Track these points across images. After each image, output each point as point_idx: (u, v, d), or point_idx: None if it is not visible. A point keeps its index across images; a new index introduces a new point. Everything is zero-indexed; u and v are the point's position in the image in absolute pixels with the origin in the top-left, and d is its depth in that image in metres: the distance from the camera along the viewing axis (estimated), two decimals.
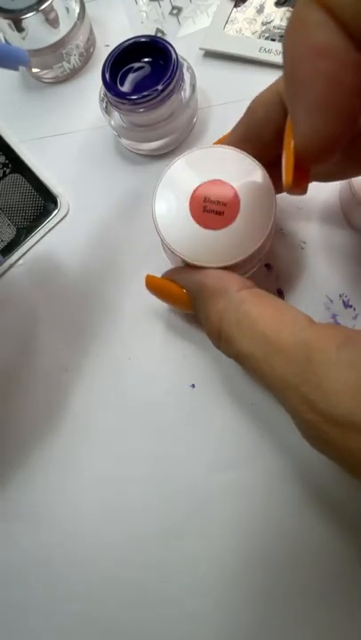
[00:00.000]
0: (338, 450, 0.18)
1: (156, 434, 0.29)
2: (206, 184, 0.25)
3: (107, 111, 0.33)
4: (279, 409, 0.21)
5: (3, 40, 0.36)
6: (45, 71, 0.37)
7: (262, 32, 0.35)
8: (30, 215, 0.34)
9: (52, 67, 0.36)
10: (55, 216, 0.34)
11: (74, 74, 0.37)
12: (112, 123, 0.32)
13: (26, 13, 0.32)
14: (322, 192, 0.31)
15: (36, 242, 0.34)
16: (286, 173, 0.19)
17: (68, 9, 0.34)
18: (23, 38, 0.33)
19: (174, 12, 0.38)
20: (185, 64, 0.32)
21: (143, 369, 0.30)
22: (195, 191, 0.25)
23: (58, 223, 0.34)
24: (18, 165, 0.35)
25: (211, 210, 0.25)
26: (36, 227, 0.34)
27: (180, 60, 0.31)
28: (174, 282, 0.26)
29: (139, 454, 0.29)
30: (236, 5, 0.36)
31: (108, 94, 0.30)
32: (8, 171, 0.35)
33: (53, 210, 0.34)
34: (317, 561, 0.26)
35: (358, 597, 0.26)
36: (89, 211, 0.34)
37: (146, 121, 0.31)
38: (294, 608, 0.26)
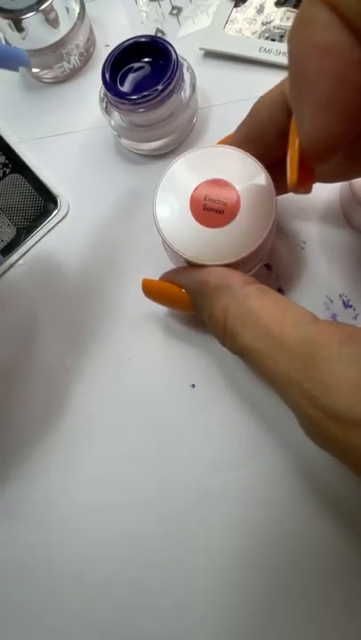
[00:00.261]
0: (339, 446, 0.18)
1: (156, 434, 0.29)
2: (206, 183, 0.25)
3: (107, 111, 0.33)
4: (279, 408, 0.21)
5: (3, 40, 0.36)
6: (45, 71, 0.37)
7: (262, 32, 0.35)
8: (30, 215, 0.34)
9: (52, 67, 0.36)
10: (55, 216, 0.34)
11: (74, 74, 0.37)
12: (112, 123, 0.32)
13: (26, 13, 0.32)
14: (322, 192, 0.31)
15: (36, 242, 0.34)
16: (291, 172, 0.19)
17: (68, 9, 0.34)
18: (23, 38, 0.33)
19: (174, 11, 0.38)
20: (185, 64, 0.32)
21: (143, 369, 0.30)
22: (195, 190, 0.25)
23: (58, 223, 0.34)
24: (18, 165, 0.35)
25: (211, 208, 0.25)
26: (36, 227, 0.34)
27: (180, 59, 0.31)
28: (173, 283, 0.26)
29: (139, 454, 0.29)
30: (236, 5, 0.36)
31: (108, 94, 0.30)
32: (8, 171, 0.35)
33: (53, 210, 0.34)
34: (318, 559, 0.26)
35: (359, 596, 0.26)
36: (89, 211, 0.34)
37: (146, 121, 0.31)
38: (295, 607, 0.26)
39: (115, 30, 0.38)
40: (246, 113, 0.25)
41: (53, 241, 0.34)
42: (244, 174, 0.25)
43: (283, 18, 0.35)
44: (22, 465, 0.30)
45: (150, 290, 0.28)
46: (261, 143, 0.25)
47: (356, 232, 0.30)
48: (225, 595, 0.27)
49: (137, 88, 0.31)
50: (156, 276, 0.28)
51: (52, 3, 0.32)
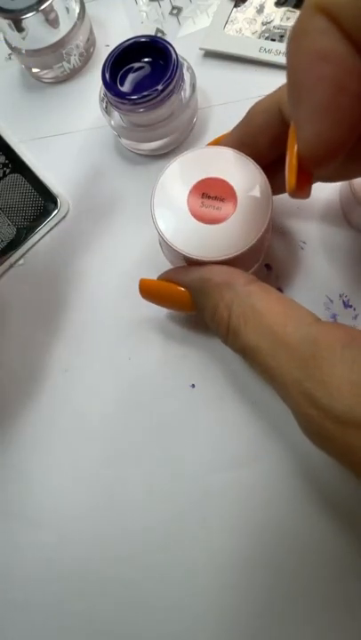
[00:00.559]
0: (338, 446, 0.18)
1: (156, 434, 0.29)
2: (203, 181, 0.26)
3: (107, 111, 0.33)
4: (279, 408, 0.21)
5: (3, 40, 0.36)
6: (45, 71, 0.37)
7: (262, 32, 0.35)
8: (30, 215, 0.34)
9: (52, 67, 0.36)
10: (55, 216, 0.34)
11: (74, 74, 0.37)
12: (112, 123, 0.32)
13: (26, 13, 0.32)
14: (322, 192, 0.31)
15: (36, 242, 0.34)
16: (289, 177, 0.19)
17: (68, 9, 0.34)
18: (23, 38, 0.33)
19: (174, 11, 0.38)
20: (185, 64, 0.32)
21: (143, 369, 0.30)
22: (193, 188, 0.26)
23: (58, 223, 0.34)
24: (18, 165, 0.35)
25: (209, 205, 0.25)
26: (36, 227, 0.34)
27: (180, 59, 0.31)
28: (173, 282, 0.26)
29: (139, 454, 0.29)
30: (236, 5, 0.36)
31: (108, 94, 0.30)
32: (8, 171, 0.35)
33: (53, 210, 0.34)
34: (318, 559, 0.26)
35: (359, 596, 0.26)
36: (89, 211, 0.34)
37: (146, 121, 0.31)
38: (295, 607, 0.26)
39: (115, 30, 0.38)
40: (247, 111, 0.25)
41: (53, 241, 0.34)
42: (239, 171, 0.26)
43: (283, 18, 0.35)
44: (22, 465, 0.30)
45: (148, 290, 0.27)
46: (254, 148, 0.25)
47: (356, 232, 0.30)
48: (225, 595, 0.27)
49: (137, 88, 0.31)
50: (155, 276, 0.27)
51: (52, 3, 0.32)
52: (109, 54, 0.31)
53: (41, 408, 0.31)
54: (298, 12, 0.34)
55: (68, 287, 0.33)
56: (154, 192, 0.26)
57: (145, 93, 0.29)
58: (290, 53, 0.17)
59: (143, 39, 0.31)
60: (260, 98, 0.25)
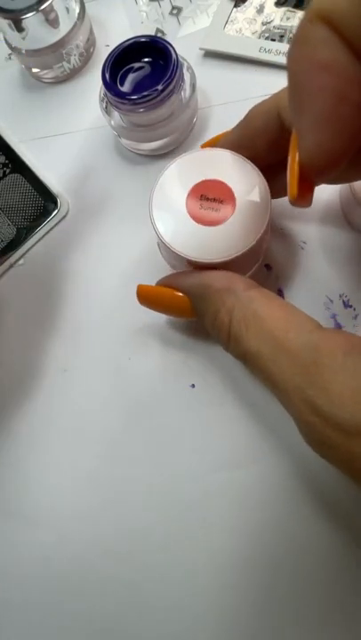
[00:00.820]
0: (340, 454, 0.18)
1: (156, 434, 0.29)
2: (202, 183, 0.26)
3: (107, 111, 0.33)
4: (278, 409, 0.21)
5: (3, 40, 0.36)
6: (45, 71, 0.37)
7: (262, 32, 0.35)
8: (30, 215, 0.34)
9: (52, 67, 0.36)
10: (55, 216, 0.34)
11: (74, 74, 0.37)
12: (112, 123, 0.32)
13: (26, 13, 0.32)
14: (322, 192, 0.31)
15: (36, 242, 0.34)
16: (291, 186, 0.19)
17: (68, 9, 0.34)
18: (23, 38, 0.33)
19: (174, 11, 0.38)
20: (185, 64, 0.32)
21: (143, 369, 0.30)
22: (191, 190, 0.26)
23: (58, 223, 0.34)
24: (18, 165, 0.35)
25: (207, 207, 0.25)
26: (36, 227, 0.34)
27: (180, 59, 0.31)
28: (172, 287, 0.26)
29: (138, 454, 0.29)
30: (236, 5, 0.36)
31: (108, 94, 0.30)
32: (8, 171, 0.35)
33: (53, 210, 0.34)
34: (317, 560, 0.26)
35: (358, 596, 0.26)
36: (89, 211, 0.34)
37: (146, 121, 0.31)
38: (294, 607, 0.26)
39: (115, 30, 0.38)
40: (246, 113, 0.25)
41: (53, 241, 0.34)
42: (238, 174, 0.26)
43: (283, 18, 0.35)
44: (21, 465, 0.30)
45: (147, 296, 0.27)
46: (252, 150, 0.25)
47: (356, 232, 0.30)
48: (225, 595, 0.27)
49: (137, 88, 0.31)
50: (155, 277, 0.27)
51: (52, 3, 0.32)
52: (109, 54, 0.31)
53: (40, 407, 0.31)
54: (298, 12, 0.35)
55: (68, 287, 0.33)
56: (152, 194, 0.26)
57: (145, 93, 0.29)
58: (291, 62, 0.17)
59: (143, 39, 0.31)
60: (260, 98, 0.25)
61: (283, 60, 0.34)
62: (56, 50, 0.35)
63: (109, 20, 0.38)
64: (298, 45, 0.17)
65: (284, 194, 0.27)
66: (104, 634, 0.27)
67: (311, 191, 0.19)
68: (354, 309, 0.29)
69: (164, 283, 0.27)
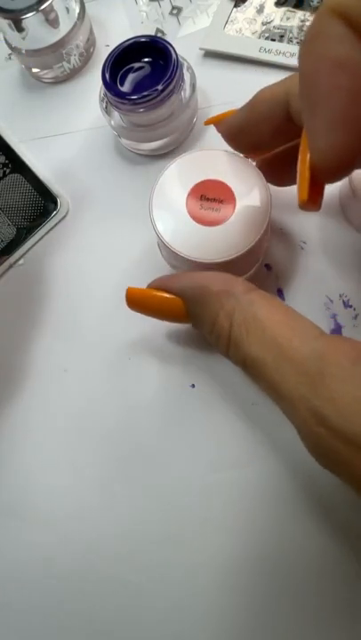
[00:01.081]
0: (348, 467, 0.17)
1: (155, 434, 0.29)
2: (202, 183, 0.26)
3: (107, 111, 0.33)
4: (279, 410, 0.21)
5: (3, 40, 0.36)
6: (45, 71, 0.37)
7: (262, 32, 0.35)
8: (30, 215, 0.34)
9: (52, 67, 0.36)
10: (55, 216, 0.34)
11: (74, 74, 0.37)
12: (112, 123, 0.32)
13: (26, 13, 0.32)
14: None
15: (36, 242, 0.34)
16: (301, 190, 0.18)
17: (68, 9, 0.34)
18: (23, 38, 0.33)
19: (174, 11, 0.38)
20: (185, 64, 0.32)
21: (143, 369, 0.30)
22: (191, 190, 0.26)
23: (58, 223, 0.34)
24: (18, 165, 0.35)
25: (207, 207, 0.25)
26: (36, 227, 0.34)
27: (180, 59, 0.31)
28: (165, 290, 0.24)
29: (138, 454, 0.29)
30: (236, 5, 0.36)
31: (108, 94, 0.30)
32: (8, 171, 0.35)
33: (53, 210, 0.34)
34: (317, 560, 0.26)
35: (358, 596, 0.26)
36: (89, 211, 0.34)
37: (146, 121, 0.31)
38: (294, 607, 0.26)
39: (115, 30, 0.38)
40: (253, 95, 0.24)
41: (53, 241, 0.34)
42: (238, 174, 0.26)
43: (283, 18, 0.35)
44: (22, 465, 0.30)
45: (136, 300, 0.25)
46: (256, 135, 0.24)
47: (356, 231, 0.30)
48: (225, 595, 0.27)
49: (137, 88, 0.31)
50: (155, 277, 0.27)
51: (52, 3, 0.32)
52: (109, 54, 0.31)
53: (40, 407, 0.31)
54: (298, 12, 0.35)
55: (68, 287, 0.33)
56: (152, 194, 0.26)
57: (145, 93, 0.29)
58: (303, 59, 0.16)
59: (143, 39, 0.31)
60: None
61: (283, 59, 0.34)
62: (56, 50, 0.35)
63: (109, 20, 0.38)
64: (312, 41, 0.16)
65: (289, 182, 0.26)
66: (104, 634, 0.27)
67: (321, 194, 0.19)
68: (354, 309, 0.29)
69: (156, 285, 0.25)
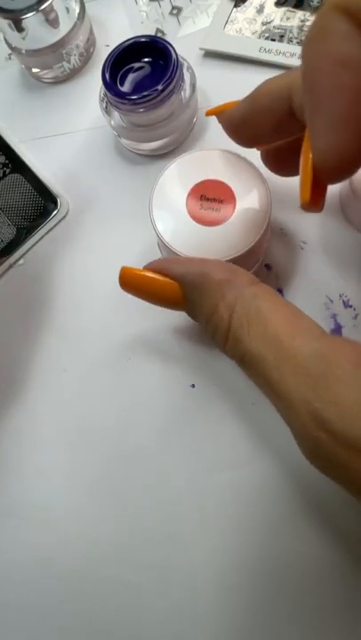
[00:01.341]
0: (349, 473, 0.17)
1: (155, 434, 0.29)
2: (202, 183, 0.26)
3: (107, 111, 0.33)
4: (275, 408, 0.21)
5: (3, 40, 0.36)
6: (45, 71, 0.37)
7: (262, 32, 0.35)
8: (30, 215, 0.34)
9: (52, 67, 0.36)
10: (55, 216, 0.34)
11: (74, 74, 0.37)
12: (112, 123, 0.32)
13: (26, 13, 0.32)
14: None
15: (36, 242, 0.34)
16: (303, 191, 0.18)
17: (68, 9, 0.34)
18: (23, 38, 0.33)
19: (174, 11, 0.38)
20: (185, 64, 0.32)
21: (143, 369, 0.30)
22: (192, 190, 0.26)
23: (58, 223, 0.34)
24: (18, 165, 0.35)
25: (208, 207, 0.25)
26: (36, 227, 0.34)
27: (180, 59, 0.31)
28: (162, 273, 0.23)
29: (138, 454, 0.29)
30: (236, 5, 0.36)
31: (108, 94, 0.30)
32: (8, 171, 0.35)
33: (53, 210, 0.34)
34: (316, 560, 0.26)
35: (357, 596, 0.26)
36: (89, 211, 0.34)
37: (146, 121, 0.31)
38: (294, 607, 0.26)
39: (115, 30, 0.38)
40: (255, 88, 0.24)
41: (53, 241, 0.34)
42: (238, 174, 0.26)
43: (283, 18, 0.35)
44: (21, 465, 0.30)
45: (130, 281, 0.24)
46: (257, 129, 0.24)
47: (356, 231, 0.30)
48: (225, 595, 0.27)
49: (137, 88, 0.31)
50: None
51: (52, 3, 0.32)
52: (109, 54, 0.31)
53: (40, 407, 0.31)
54: (298, 12, 0.35)
55: (68, 287, 0.33)
56: (152, 194, 0.26)
57: (145, 93, 0.29)
58: (306, 57, 0.16)
59: (143, 39, 0.31)
60: None
61: (283, 59, 0.34)
62: (56, 50, 0.35)
63: (109, 20, 0.38)
64: (315, 39, 0.15)
65: (293, 173, 0.25)
66: (104, 634, 0.27)
67: (324, 195, 0.18)
68: (354, 309, 0.29)
69: (154, 267, 0.24)
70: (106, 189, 0.34)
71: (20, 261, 0.34)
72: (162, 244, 0.26)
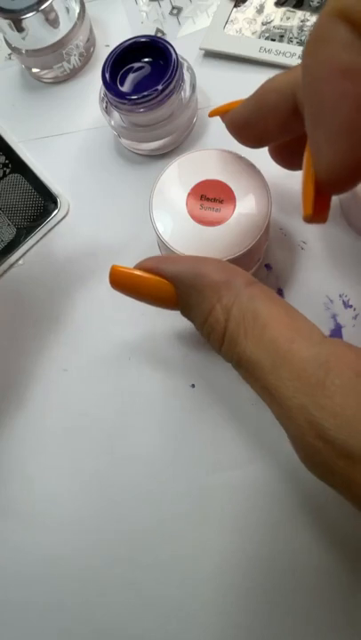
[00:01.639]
0: (346, 481, 0.17)
1: (155, 434, 0.29)
2: (202, 183, 0.26)
3: (107, 111, 0.33)
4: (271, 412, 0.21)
5: (3, 40, 0.36)
6: (45, 71, 0.37)
7: (262, 32, 0.35)
8: (30, 215, 0.34)
9: (52, 67, 0.36)
10: (55, 216, 0.34)
11: (74, 74, 0.37)
12: (112, 123, 0.32)
13: (26, 13, 0.32)
14: None
15: (36, 242, 0.34)
16: (305, 203, 0.18)
17: (68, 9, 0.34)
18: (23, 38, 0.33)
19: (174, 11, 0.38)
20: (185, 64, 0.32)
21: (143, 369, 0.30)
22: (192, 190, 0.26)
23: (58, 223, 0.34)
24: (18, 165, 0.35)
25: (208, 207, 0.25)
26: (36, 227, 0.34)
27: (180, 59, 0.31)
28: (155, 272, 0.22)
29: (138, 454, 0.29)
30: (236, 5, 0.36)
31: (108, 94, 0.30)
32: (8, 171, 0.35)
33: (53, 210, 0.34)
34: (317, 560, 0.26)
35: (358, 596, 0.26)
36: (89, 211, 0.34)
37: (146, 121, 0.31)
38: (294, 607, 0.26)
39: (115, 30, 0.38)
40: (259, 87, 0.23)
41: (53, 241, 0.34)
42: (238, 174, 0.26)
43: (283, 18, 0.35)
44: (21, 465, 0.30)
45: (121, 281, 0.23)
46: (262, 128, 0.23)
47: (356, 232, 0.30)
48: (225, 595, 0.27)
49: (137, 88, 0.31)
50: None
51: (52, 3, 0.32)
52: (109, 54, 0.31)
53: (40, 407, 0.31)
54: (298, 12, 0.35)
55: (68, 287, 0.33)
56: (152, 194, 0.26)
57: (145, 93, 0.29)
58: (307, 65, 0.15)
59: (143, 39, 0.31)
60: None
61: (283, 59, 0.34)
62: (56, 50, 0.35)
63: (109, 20, 0.38)
64: (315, 47, 0.15)
65: (300, 167, 0.25)
66: (104, 634, 0.27)
67: (327, 207, 0.18)
68: (354, 309, 0.29)
69: (145, 266, 0.23)
70: (106, 189, 0.34)
71: (20, 261, 0.34)
72: (162, 244, 0.26)
